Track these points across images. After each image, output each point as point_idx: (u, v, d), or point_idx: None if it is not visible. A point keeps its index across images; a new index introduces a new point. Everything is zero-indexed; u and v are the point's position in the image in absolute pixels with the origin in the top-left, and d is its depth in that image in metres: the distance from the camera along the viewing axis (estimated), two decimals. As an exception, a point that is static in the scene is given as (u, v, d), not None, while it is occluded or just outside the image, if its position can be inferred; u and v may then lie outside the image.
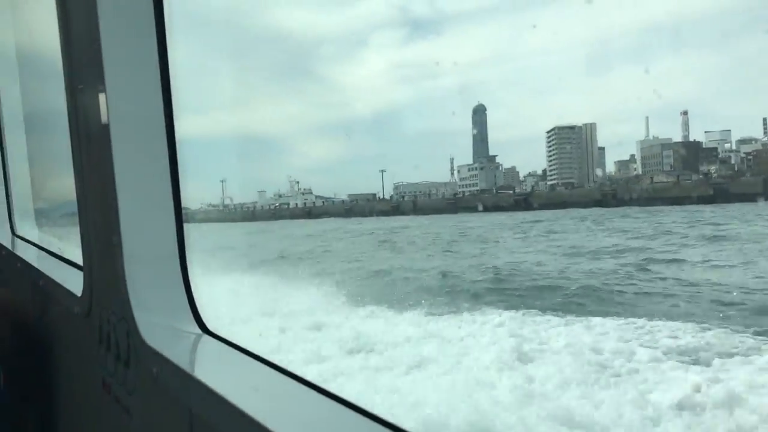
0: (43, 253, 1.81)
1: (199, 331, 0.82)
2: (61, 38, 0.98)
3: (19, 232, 2.34)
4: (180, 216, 0.84)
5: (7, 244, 2.14)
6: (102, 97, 0.82)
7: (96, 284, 0.95)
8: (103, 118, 0.81)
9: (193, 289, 0.84)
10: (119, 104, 0.80)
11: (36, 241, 2.17)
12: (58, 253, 1.66)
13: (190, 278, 0.84)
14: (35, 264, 1.48)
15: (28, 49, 2.49)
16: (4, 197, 2.36)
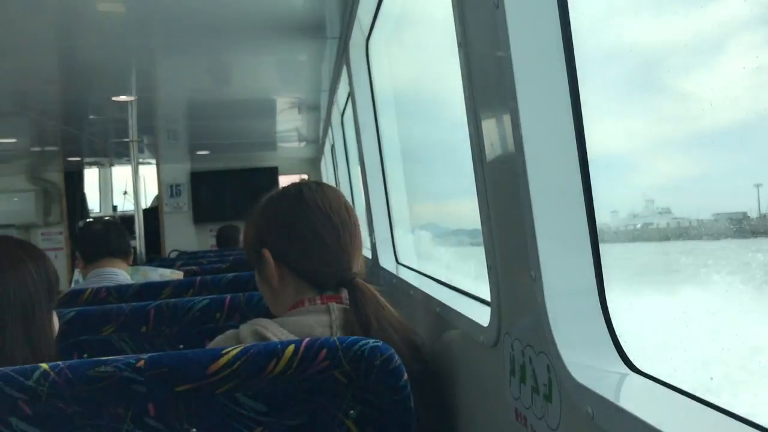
0: (428, 279, 1.94)
1: (627, 370, 0.77)
2: (461, 63, 1.02)
3: (401, 260, 2.57)
4: (596, 245, 0.81)
5: (394, 272, 2.37)
6: (512, 122, 0.82)
7: (505, 316, 0.96)
8: (514, 145, 0.82)
9: (614, 324, 0.79)
10: (532, 129, 0.79)
11: (416, 268, 2.36)
12: (444, 281, 1.77)
13: (610, 313, 0.80)
14: (429, 291, 1.59)
15: (398, 86, 2.75)
16: (388, 226, 2.62)
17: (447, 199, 2.61)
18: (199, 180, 8.49)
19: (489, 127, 0.95)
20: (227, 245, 5.80)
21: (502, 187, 0.92)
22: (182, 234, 8.31)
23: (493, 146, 0.94)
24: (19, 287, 1.30)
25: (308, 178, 9.05)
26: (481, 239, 1.06)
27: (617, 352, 0.78)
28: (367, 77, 2.57)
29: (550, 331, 0.78)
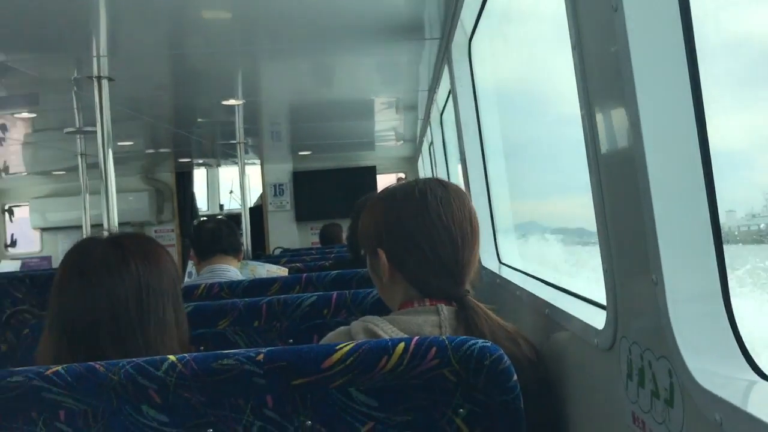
0: (533, 280, 1.92)
1: (756, 377, 0.74)
2: (575, 63, 1.01)
3: (504, 260, 2.55)
4: (720, 246, 0.78)
5: (497, 271, 2.35)
6: (629, 120, 0.81)
7: (622, 319, 0.94)
8: (633, 143, 0.80)
9: (740, 329, 0.77)
10: (652, 126, 0.78)
11: (518, 267, 2.34)
12: (550, 281, 1.75)
13: (736, 317, 0.77)
14: (536, 292, 1.57)
15: (501, 83, 2.73)
16: (490, 224, 2.61)
17: (550, 196, 2.57)
18: (300, 179, 8.72)
19: (605, 126, 0.93)
20: (330, 243, 5.95)
21: (620, 188, 0.91)
22: (285, 232, 8.58)
23: (609, 145, 0.92)
24: (168, 276, 1.42)
25: (405, 177, 9.13)
26: (583, 238, 1.04)
27: (745, 358, 0.76)
28: (469, 76, 2.57)
29: (672, 335, 0.76)
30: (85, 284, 1.37)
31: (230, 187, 10.28)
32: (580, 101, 1.01)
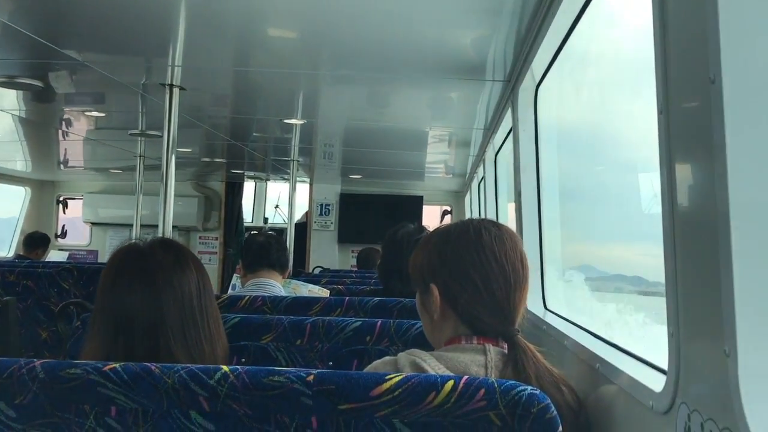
0: (580, 330, 1.90)
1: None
2: (660, 128, 1.00)
3: (550, 306, 2.52)
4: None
5: (542, 317, 2.33)
6: (717, 176, 0.79)
7: (683, 385, 0.92)
8: (718, 202, 0.79)
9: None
10: (741, 187, 0.76)
11: (564, 315, 2.31)
12: (599, 333, 1.72)
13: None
14: (585, 344, 1.55)
15: (564, 127, 2.72)
16: (539, 268, 2.57)
17: (603, 243, 2.54)
18: (347, 201, 8.79)
19: (686, 181, 0.91)
20: (366, 267, 5.98)
21: (696, 249, 0.89)
22: (326, 251, 8.63)
23: (689, 201, 0.90)
24: (209, 280, 1.46)
25: (451, 210, 9.10)
26: (633, 288, 1.02)
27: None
28: (533, 120, 2.57)
29: (741, 411, 0.74)
30: (150, 284, 1.40)
31: (275, 201, 10.41)
32: (660, 155, 0.99)
